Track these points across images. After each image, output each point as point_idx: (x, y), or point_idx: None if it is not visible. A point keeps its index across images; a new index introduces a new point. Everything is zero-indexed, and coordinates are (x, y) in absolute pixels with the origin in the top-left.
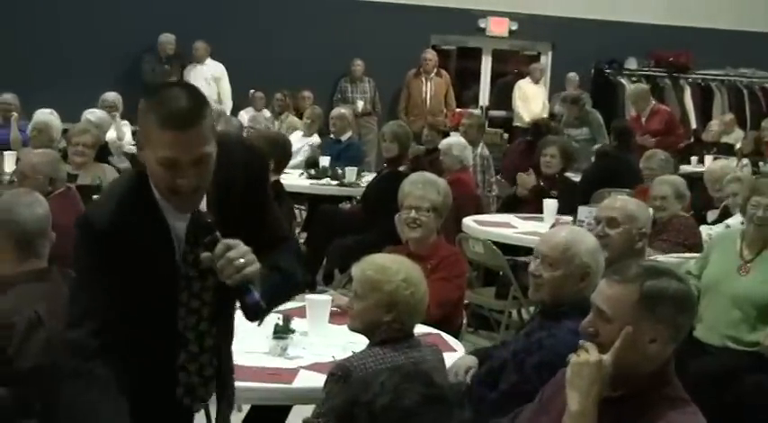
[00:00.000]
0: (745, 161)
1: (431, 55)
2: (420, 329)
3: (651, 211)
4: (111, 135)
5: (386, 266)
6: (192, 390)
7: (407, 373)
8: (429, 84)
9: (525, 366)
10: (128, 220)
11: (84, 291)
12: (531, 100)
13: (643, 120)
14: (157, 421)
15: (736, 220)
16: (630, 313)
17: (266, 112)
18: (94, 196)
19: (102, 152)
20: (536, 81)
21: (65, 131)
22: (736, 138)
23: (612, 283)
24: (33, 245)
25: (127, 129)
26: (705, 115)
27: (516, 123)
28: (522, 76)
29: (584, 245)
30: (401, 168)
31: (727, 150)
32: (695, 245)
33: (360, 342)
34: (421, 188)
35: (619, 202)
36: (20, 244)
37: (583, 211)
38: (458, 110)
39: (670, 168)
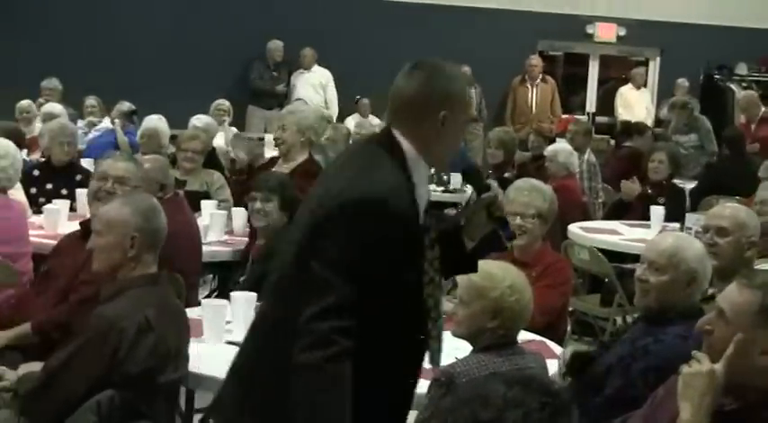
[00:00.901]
0: None
1: (536, 61)
2: (524, 336)
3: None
4: (218, 141)
5: (492, 273)
6: (436, 355)
7: (527, 385)
8: (535, 90)
9: (631, 371)
10: (408, 197)
11: (347, 285)
12: (632, 106)
13: (753, 127)
14: (406, 396)
15: None
16: (748, 319)
17: (373, 119)
18: (204, 201)
19: (210, 158)
20: (638, 87)
21: (173, 138)
22: None
23: (740, 286)
24: (156, 250)
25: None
26: None
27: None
28: (628, 82)
29: (692, 251)
30: (506, 175)
31: None
32: None
33: (463, 348)
34: (527, 195)
35: (728, 210)
36: (151, 249)
37: (691, 219)
38: (564, 116)
39: None
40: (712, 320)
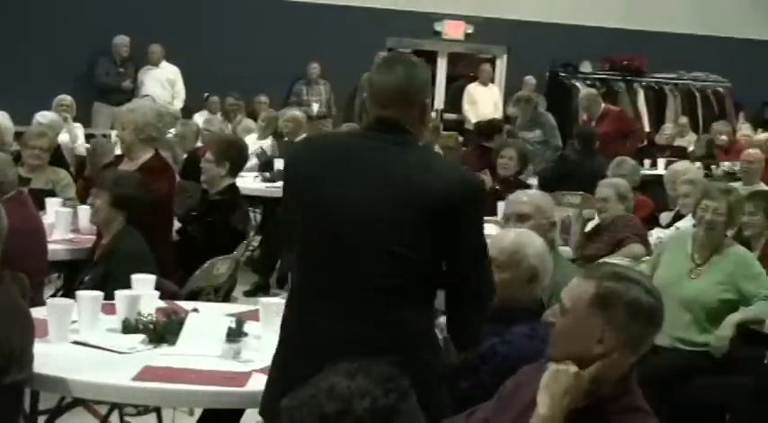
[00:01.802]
0: (698, 164)
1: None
2: None
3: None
4: (62, 138)
5: None
6: None
7: (368, 373)
8: None
9: (480, 373)
10: None
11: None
12: (479, 103)
13: (593, 123)
14: None
15: (686, 223)
16: (584, 309)
17: (220, 116)
18: (49, 198)
19: (54, 155)
20: (485, 83)
21: (18, 135)
22: (689, 141)
23: (579, 278)
24: None
25: (80, 131)
26: (658, 119)
27: (467, 126)
28: (475, 79)
29: (533, 247)
30: None
31: (680, 153)
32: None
33: None
34: None
35: (525, 196)
36: None
37: None
38: None
39: (638, 174)
40: (555, 313)
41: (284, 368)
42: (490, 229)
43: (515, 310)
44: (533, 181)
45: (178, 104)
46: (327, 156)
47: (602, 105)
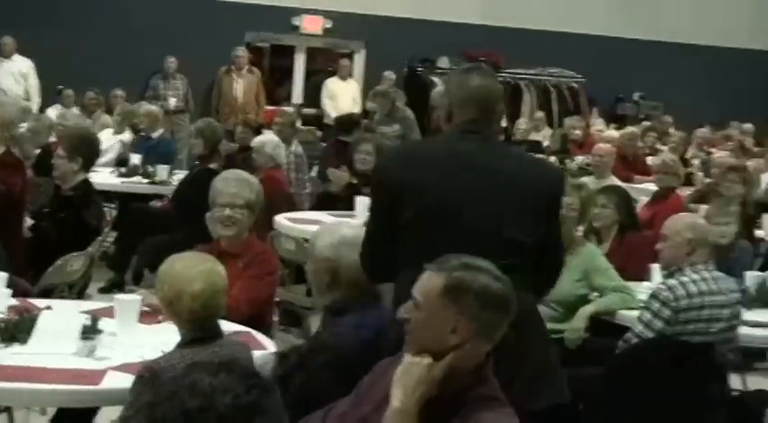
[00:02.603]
0: (553, 158)
1: (242, 52)
2: (230, 327)
3: None
4: None
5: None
6: None
7: (231, 370)
8: (241, 81)
9: (310, 367)
10: None
11: None
12: (338, 97)
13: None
14: None
15: None
16: (435, 301)
17: (75, 110)
18: None
19: None
20: (343, 78)
21: None
22: (545, 135)
23: (429, 272)
24: None
25: None
26: (514, 113)
27: (326, 121)
28: (334, 74)
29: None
30: (213, 166)
31: (535, 148)
32: None
33: (171, 342)
34: (235, 186)
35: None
36: None
37: None
38: (271, 108)
39: None
40: (409, 308)
41: None
42: (348, 224)
43: (345, 303)
44: None
45: (35, 100)
46: (434, 161)
47: None
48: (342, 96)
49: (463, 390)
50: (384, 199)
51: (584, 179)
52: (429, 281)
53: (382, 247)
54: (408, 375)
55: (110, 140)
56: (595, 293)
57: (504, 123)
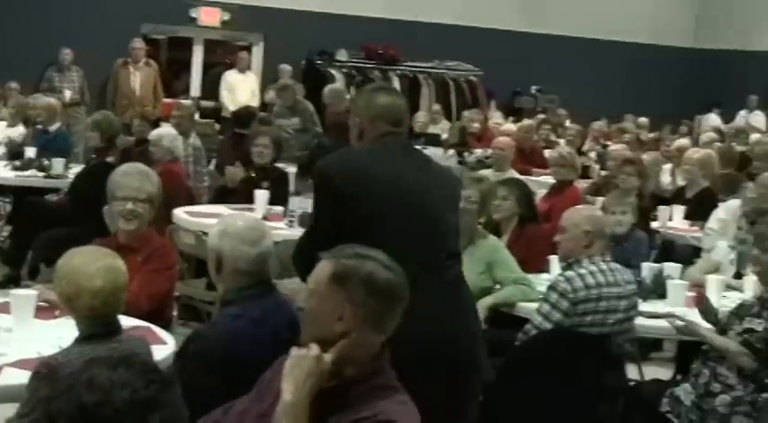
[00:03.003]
0: (451, 152)
1: (139, 44)
2: (129, 322)
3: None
4: None
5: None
6: None
7: (130, 365)
8: (138, 73)
9: (185, 356)
10: None
11: None
12: (237, 90)
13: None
14: None
15: None
16: (324, 288)
17: None
18: None
19: None
20: (242, 71)
21: None
22: (443, 129)
23: (322, 260)
24: None
25: None
26: (413, 107)
27: (225, 114)
28: (233, 67)
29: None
30: (110, 159)
31: (434, 141)
32: None
33: (68, 337)
34: (137, 179)
35: None
36: None
37: (294, 202)
38: (168, 100)
39: None
40: (304, 298)
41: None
42: (242, 216)
43: (229, 294)
44: (293, 169)
45: None
46: (378, 161)
47: (348, 98)
48: (240, 89)
49: (357, 380)
50: (332, 199)
51: (484, 172)
52: (320, 268)
53: (325, 246)
54: (297, 368)
55: (2, 133)
56: (498, 286)
57: None
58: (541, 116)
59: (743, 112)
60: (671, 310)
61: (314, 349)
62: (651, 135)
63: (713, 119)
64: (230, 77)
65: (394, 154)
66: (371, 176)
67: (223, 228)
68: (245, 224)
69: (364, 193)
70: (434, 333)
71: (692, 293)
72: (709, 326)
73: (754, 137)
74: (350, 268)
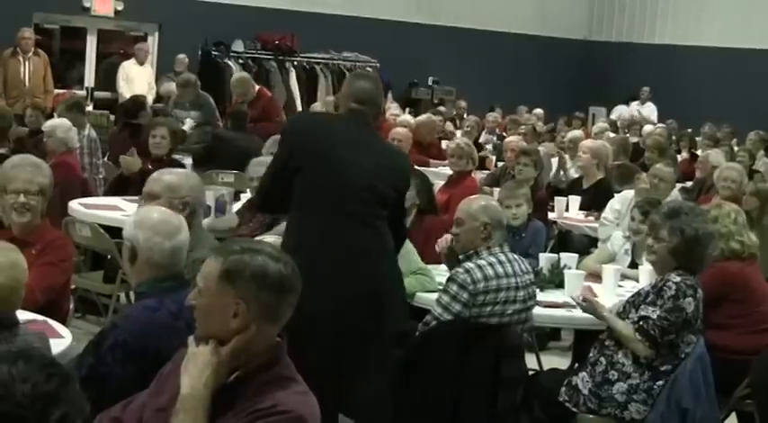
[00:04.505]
0: None
1: (28, 34)
2: (26, 316)
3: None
4: None
5: None
6: None
7: (29, 359)
8: (27, 63)
9: (101, 349)
10: None
11: None
12: (135, 81)
13: (245, 106)
14: None
15: None
16: (214, 286)
17: None
18: None
19: None
20: (141, 62)
21: None
22: None
23: (210, 258)
24: None
25: None
26: (310, 97)
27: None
28: (128, 57)
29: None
30: (2, 151)
31: None
32: None
33: None
34: (30, 171)
35: (159, 175)
36: None
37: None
38: (62, 91)
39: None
40: (194, 295)
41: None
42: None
43: (150, 285)
44: (189, 160)
45: None
46: (329, 127)
47: (256, 88)
48: (138, 80)
49: (256, 371)
50: (285, 147)
51: None
52: (209, 266)
53: (274, 185)
54: (194, 363)
55: None
56: None
57: (300, 107)
58: (441, 108)
59: (635, 104)
60: (568, 299)
61: (209, 345)
62: (545, 126)
63: (630, 109)
64: (128, 68)
65: (345, 124)
66: (313, 135)
67: (139, 218)
68: (161, 217)
69: (301, 145)
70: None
71: (588, 283)
72: (609, 307)
73: (648, 128)
74: (239, 264)
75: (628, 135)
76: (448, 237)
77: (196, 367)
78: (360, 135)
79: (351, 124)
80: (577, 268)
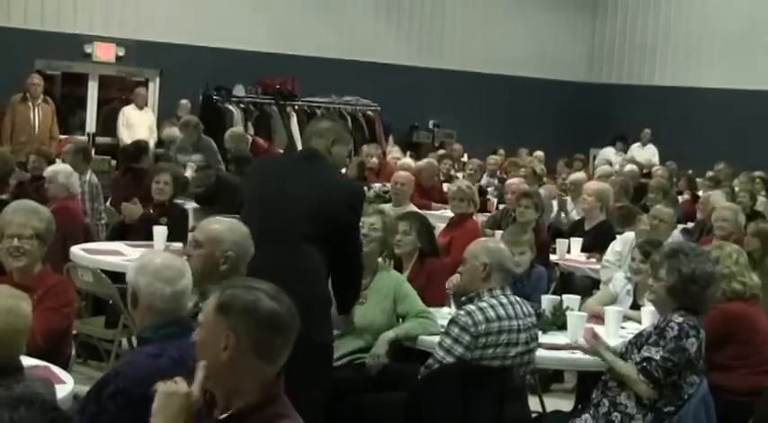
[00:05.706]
0: None
1: (38, 80)
2: (28, 362)
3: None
4: None
5: None
6: None
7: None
8: (37, 110)
9: (102, 396)
10: None
11: None
12: (135, 126)
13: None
14: None
15: None
16: (210, 318)
17: None
18: None
19: None
20: (140, 107)
21: None
22: None
23: (214, 295)
24: None
25: None
26: None
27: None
28: (129, 103)
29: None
30: (3, 196)
31: None
32: None
33: None
34: (23, 215)
35: (208, 224)
36: None
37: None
38: (64, 136)
39: None
40: (197, 331)
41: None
42: (161, 254)
43: (153, 330)
44: (191, 204)
45: None
46: (282, 161)
47: (249, 141)
48: (138, 125)
49: (251, 410)
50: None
51: (383, 206)
52: (209, 301)
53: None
54: (166, 406)
55: None
56: (401, 320)
57: None
58: (441, 151)
59: (636, 146)
60: (571, 341)
61: (182, 385)
62: (543, 168)
63: (608, 152)
64: (128, 113)
65: (293, 160)
66: (262, 171)
67: (141, 264)
68: (163, 262)
69: (252, 180)
70: None
71: (590, 325)
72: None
73: (628, 168)
74: (233, 298)
75: (629, 177)
76: (458, 276)
77: (169, 411)
78: (304, 169)
79: (295, 161)
80: (580, 310)
